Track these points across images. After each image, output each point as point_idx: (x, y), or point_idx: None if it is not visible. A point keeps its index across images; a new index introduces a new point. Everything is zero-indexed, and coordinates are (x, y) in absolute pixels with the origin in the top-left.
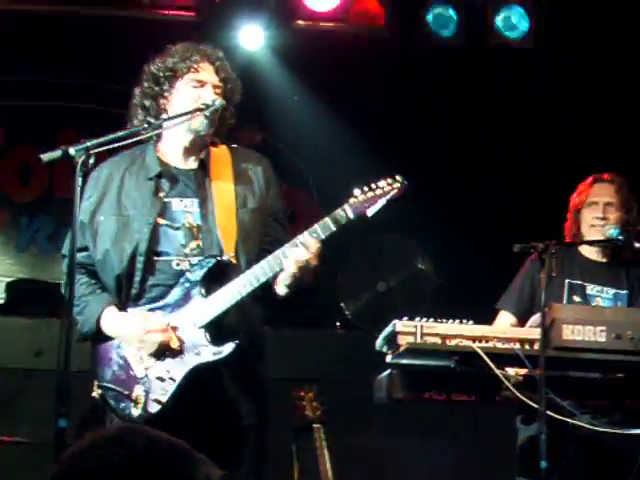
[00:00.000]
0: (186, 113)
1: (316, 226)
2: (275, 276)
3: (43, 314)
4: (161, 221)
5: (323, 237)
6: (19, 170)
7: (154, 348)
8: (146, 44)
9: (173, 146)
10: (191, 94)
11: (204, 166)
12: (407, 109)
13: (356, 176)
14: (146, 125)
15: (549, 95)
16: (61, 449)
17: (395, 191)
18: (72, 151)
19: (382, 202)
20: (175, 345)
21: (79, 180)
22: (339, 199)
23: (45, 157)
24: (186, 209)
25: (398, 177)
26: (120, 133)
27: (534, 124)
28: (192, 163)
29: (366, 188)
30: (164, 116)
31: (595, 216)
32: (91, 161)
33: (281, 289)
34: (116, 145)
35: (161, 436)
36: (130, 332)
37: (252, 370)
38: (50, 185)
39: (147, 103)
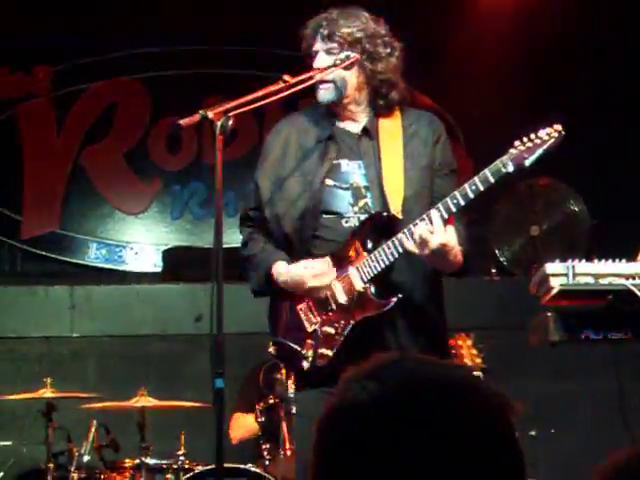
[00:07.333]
0: (305, 84)
1: (475, 179)
2: None
3: (201, 279)
4: (330, 182)
5: (482, 189)
6: (168, 139)
7: (319, 292)
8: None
9: (337, 109)
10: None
11: (370, 130)
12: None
13: (505, 127)
14: (282, 84)
15: None
16: (220, 409)
17: (552, 140)
18: (211, 114)
19: (540, 152)
20: (341, 300)
21: (219, 143)
22: (488, 151)
23: (184, 122)
24: (354, 170)
25: (557, 126)
26: (258, 93)
27: None
28: (359, 126)
29: (525, 139)
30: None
31: None
32: (230, 122)
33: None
34: (255, 106)
35: (424, 369)
36: (297, 279)
37: (430, 326)
38: (199, 152)
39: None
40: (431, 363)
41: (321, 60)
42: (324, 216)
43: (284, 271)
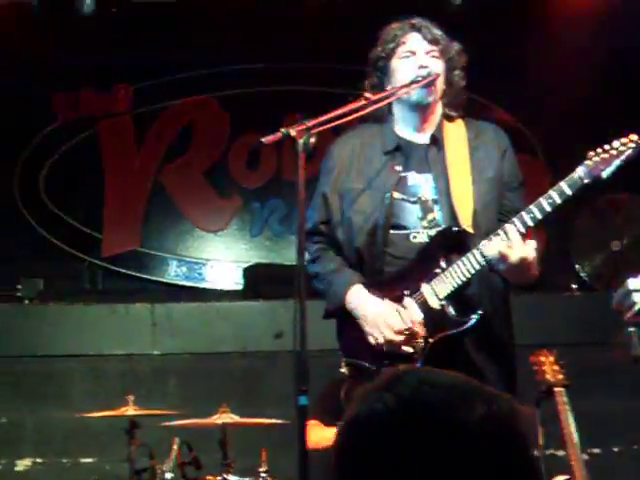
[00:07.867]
0: (400, 87)
1: (550, 192)
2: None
3: (281, 296)
4: (397, 195)
5: (559, 202)
6: (247, 156)
7: (388, 345)
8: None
9: (405, 121)
10: (404, 66)
11: (438, 139)
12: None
13: (582, 138)
14: (364, 101)
15: None
16: (303, 426)
17: (630, 151)
18: (293, 132)
19: (617, 163)
20: (417, 318)
21: (302, 160)
22: (566, 162)
23: (266, 140)
24: (422, 183)
25: (632, 136)
26: (339, 111)
27: None
28: (426, 137)
29: (599, 150)
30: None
31: None
32: (312, 140)
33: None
34: (337, 123)
35: (435, 377)
36: (371, 322)
37: (498, 339)
38: (279, 169)
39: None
40: (441, 373)
41: (437, 64)
42: (391, 231)
43: (359, 303)
